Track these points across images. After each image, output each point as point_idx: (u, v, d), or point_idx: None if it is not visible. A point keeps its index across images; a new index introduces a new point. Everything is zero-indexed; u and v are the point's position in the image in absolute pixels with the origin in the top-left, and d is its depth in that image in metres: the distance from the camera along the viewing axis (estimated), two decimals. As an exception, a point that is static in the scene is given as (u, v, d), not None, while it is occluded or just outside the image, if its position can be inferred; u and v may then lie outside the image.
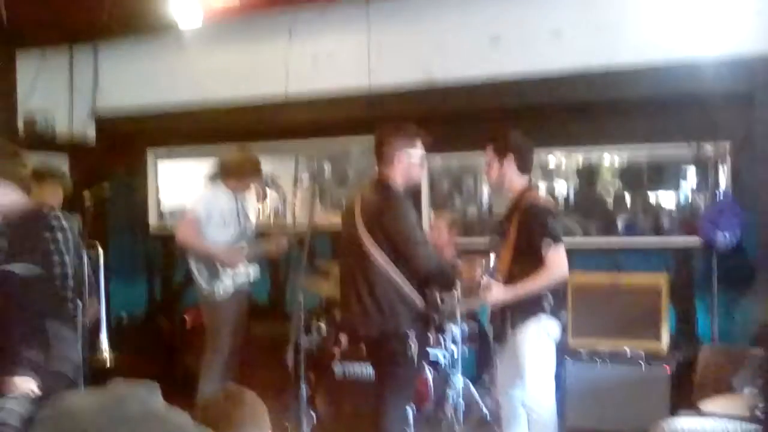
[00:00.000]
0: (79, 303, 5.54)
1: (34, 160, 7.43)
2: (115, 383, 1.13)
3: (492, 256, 4.61)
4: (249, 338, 6.29)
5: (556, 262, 4.42)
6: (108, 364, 5.53)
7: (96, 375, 5.56)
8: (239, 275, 5.90)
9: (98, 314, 5.69)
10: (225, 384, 2.31)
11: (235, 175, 5.96)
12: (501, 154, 4.65)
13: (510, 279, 4.48)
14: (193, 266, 5.85)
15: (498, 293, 4.45)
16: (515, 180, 4.68)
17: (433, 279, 4.51)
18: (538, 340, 4.50)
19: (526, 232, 4.46)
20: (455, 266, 5.05)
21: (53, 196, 5.74)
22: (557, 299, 4.54)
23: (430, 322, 4.68)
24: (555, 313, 4.53)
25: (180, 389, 5.76)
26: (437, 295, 4.81)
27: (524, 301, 4.47)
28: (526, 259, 4.44)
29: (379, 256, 4.29)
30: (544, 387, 4.56)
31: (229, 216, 5.91)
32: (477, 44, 6.35)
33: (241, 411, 2.13)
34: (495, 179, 4.77)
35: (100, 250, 5.62)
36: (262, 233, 6.26)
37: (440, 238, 6.12)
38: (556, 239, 4.44)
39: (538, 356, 4.52)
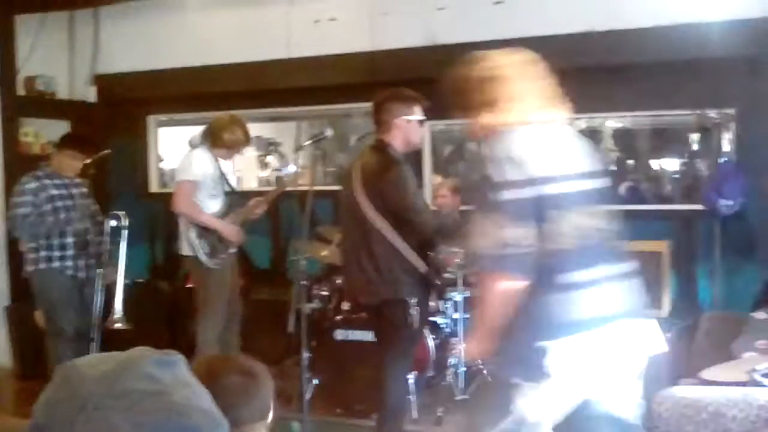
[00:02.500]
0: (99, 270, 5.61)
1: (37, 126, 7.48)
2: (132, 351, 1.11)
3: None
4: (250, 304, 6.30)
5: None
6: (122, 326, 5.59)
7: (109, 338, 5.64)
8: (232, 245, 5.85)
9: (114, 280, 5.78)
10: (232, 355, 2.31)
11: (226, 146, 5.81)
12: None
13: None
14: (194, 239, 5.68)
15: None
16: None
17: (433, 242, 4.51)
18: None
19: None
20: (457, 223, 5.00)
21: (74, 165, 5.82)
22: None
23: (431, 288, 4.69)
24: None
25: (185, 355, 5.79)
26: (438, 260, 4.80)
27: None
28: None
29: (379, 222, 4.28)
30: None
31: (217, 183, 5.78)
32: (481, 7, 6.30)
33: (253, 386, 2.13)
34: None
35: (125, 221, 5.65)
36: (246, 197, 6.14)
37: (443, 204, 6.12)
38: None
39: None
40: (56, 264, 5.72)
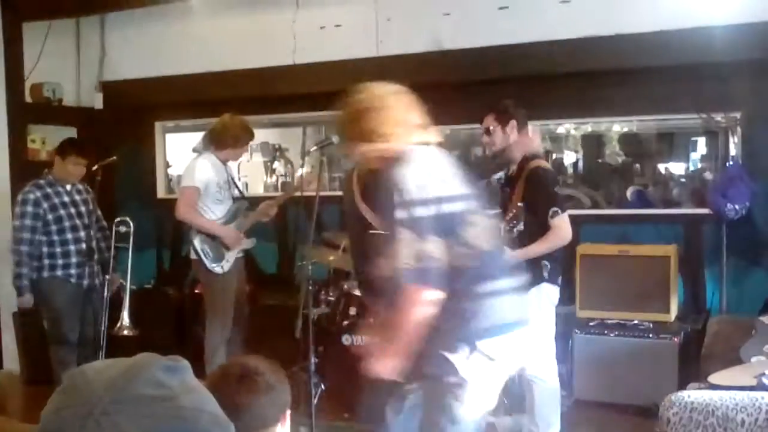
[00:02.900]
0: (106, 276, 5.62)
1: (44, 132, 7.50)
2: (139, 357, 1.11)
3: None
4: (257, 309, 6.31)
5: (562, 227, 4.45)
6: (129, 333, 5.62)
7: (116, 345, 5.67)
8: (239, 251, 5.89)
9: (120, 287, 5.81)
10: (245, 358, 2.30)
11: (230, 145, 5.83)
12: (504, 121, 4.65)
13: (511, 243, 4.47)
14: (198, 246, 5.73)
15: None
16: (520, 144, 4.69)
17: None
18: (539, 309, 4.52)
19: (531, 199, 4.45)
20: None
21: (76, 170, 5.77)
22: (555, 266, 4.56)
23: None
24: (554, 279, 4.56)
25: (191, 361, 5.81)
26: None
27: (525, 271, 4.49)
28: (530, 223, 4.44)
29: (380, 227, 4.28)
30: (547, 356, 4.59)
31: (224, 188, 5.81)
32: (486, 12, 6.31)
33: (266, 391, 2.13)
34: (500, 146, 4.76)
35: (131, 226, 5.68)
36: (255, 203, 6.19)
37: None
38: (562, 206, 4.47)
39: (541, 324, 4.53)
40: (60, 272, 5.66)
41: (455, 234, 2.96)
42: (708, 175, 6.67)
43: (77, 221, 5.72)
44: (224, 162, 5.87)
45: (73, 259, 5.69)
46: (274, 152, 9.09)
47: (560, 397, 4.75)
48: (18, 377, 6.90)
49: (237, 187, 6.02)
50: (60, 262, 5.66)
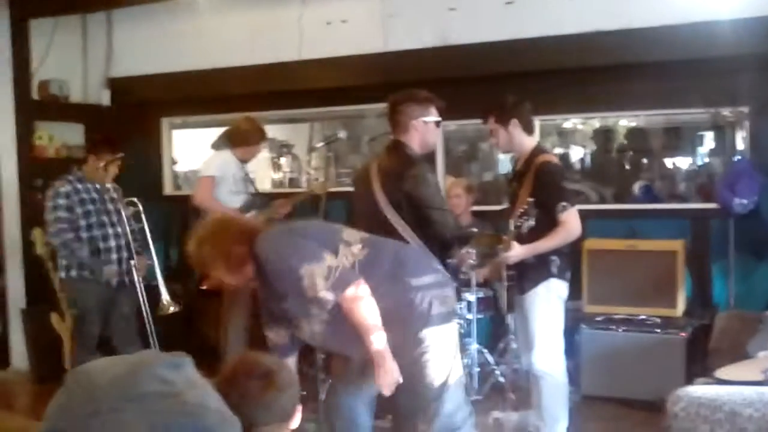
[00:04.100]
0: (131, 262, 5.65)
1: (51, 129, 7.52)
2: (142, 354, 1.12)
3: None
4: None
5: (571, 222, 4.43)
6: (174, 309, 5.63)
7: (162, 323, 5.71)
8: None
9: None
10: (255, 355, 2.32)
11: (244, 143, 6.09)
12: (505, 121, 4.63)
13: (520, 238, 4.47)
14: None
15: (516, 251, 4.43)
16: (525, 141, 4.68)
17: (450, 243, 4.51)
18: (548, 304, 4.52)
19: (540, 194, 4.44)
20: (471, 231, 5.05)
21: (111, 169, 5.75)
22: (563, 261, 4.55)
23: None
24: (562, 274, 4.56)
25: (197, 357, 5.82)
26: (455, 261, 4.81)
27: (533, 267, 4.49)
28: (539, 218, 4.43)
29: (397, 222, 4.27)
30: (554, 351, 4.58)
31: (240, 182, 6.03)
32: (492, 7, 6.30)
33: (272, 389, 2.14)
34: (504, 146, 4.76)
35: (139, 205, 5.74)
36: (270, 199, 6.28)
37: (457, 204, 6.13)
38: (571, 201, 4.46)
39: (549, 320, 4.54)
40: (86, 271, 5.61)
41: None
42: (715, 170, 6.65)
43: (105, 218, 5.66)
44: (241, 160, 6.10)
45: (102, 258, 5.62)
46: (281, 148, 9.10)
47: (567, 393, 4.75)
48: (27, 375, 6.92)
49: (253, 185, 6.18)
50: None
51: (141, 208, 5.85)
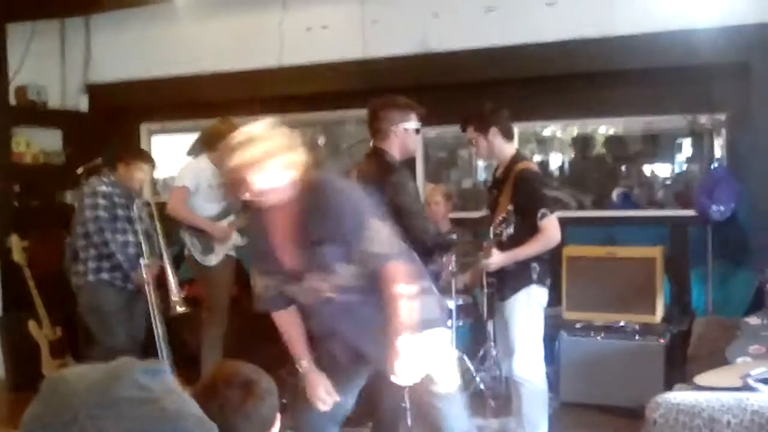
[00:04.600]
0: (143, 262, 5.58)
1: (29, 135, 7.46)
2: (118, 361, 1.11)
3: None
4: (243, 312, 6.28)
5: (551, 229, 4.44)
6: (184, 309, 5.57)
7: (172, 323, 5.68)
8: (229, 245, 5.98)
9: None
10: (235, 363, 2.29)
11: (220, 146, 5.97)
12: (484, 130, 4.64)
13: (500, 245, 4.47)
14: (188, 240, 5.90)
15: (497, 258, 4.44)
16: (505, 149, 4.68)
17: (430, 250, 4.51)
18: (528, 310, 4.53)
19: (519, 201, 4.45)
20: (452, 238, 5.05)
21: (142, 177, 5.82)
22: (543, 267, 4.56)
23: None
24: (542, 281, 4.57)
25: (179, 365, 5.83)
26: (435, 267, 4.81)
27: (514, 274, 4.49)
28: (519, 225, 4.44)
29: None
30: (534, 358, 4.59)
31: (216, 189, 5.92)
32: (473, 14, 6.31)
33: (252, 400, 2.13)
34: (485, 154, 4.78)
35: (151, 204, 5.85)
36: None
37: (436, 211, 6.14)
38: (550, 208, 4.48)
39: (529, 327, 4.54)
40: (105, 275, 5.57)
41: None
42: (693, 177, 6.69)
43: (127, 225, 5.66)
44: (217, 165, 5.97)
45: (121, 263, 5.58)
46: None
47: (547, 399, 4.75)
48: (3, 383, 6.85)
49: None
50: (106, 264, 5.56)
51: (153, 205, 5.92)
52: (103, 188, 5.59)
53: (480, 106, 4.72)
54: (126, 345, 5.50)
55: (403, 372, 3.12)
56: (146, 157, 5.93)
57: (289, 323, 3.42)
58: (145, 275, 5.57)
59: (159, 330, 5.62)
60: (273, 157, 3.01)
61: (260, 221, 3.25)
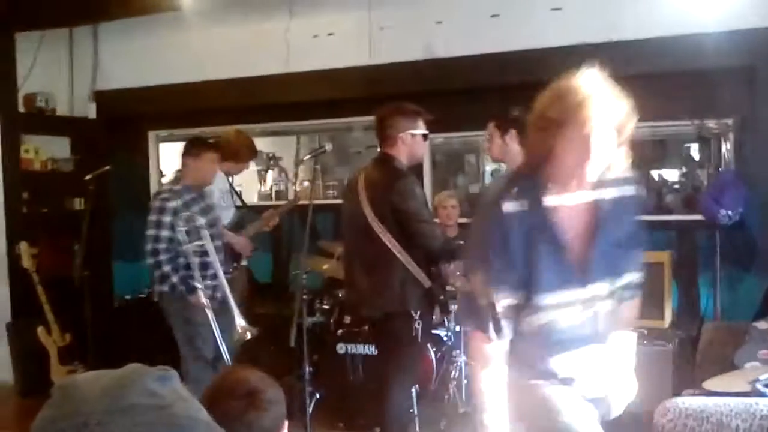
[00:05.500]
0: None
1: (38, 142, 7.49)
2: (129, 367, 1.11)
3: None
4: (251, 318, 6.29)
5: None
6: (252, 334, 4.90)
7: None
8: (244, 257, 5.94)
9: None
10: (241, 371, 2.29)
11: (233, 158, 5.98)
12: (504, 129, 4.63)
13: None
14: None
15: None
16: (517, 155, 4.67)
17: (437, 257, 4.51)
18: None
19: None
20: (459, 244, 5.05)
21: (214, 167, 5.41)
22: None
23: (434, 301, 4.68)
24: None
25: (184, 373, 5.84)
26: (442, 273, 4.82)
27: None
28: None
29: (384, 235, 4.28)
30: None
31: (226, 196, 5.92)
32: (478, 20, 6.32)
33: (257, 409, 2.13)
34: (498, 154, 4.76)
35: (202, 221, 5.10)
36: (257, 211, 6.27)
37: (444, 217, 6.14)
38: None
39: None
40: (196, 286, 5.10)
41: None
42: (701, 182, 6.68)
43: (213, 231, 5.26)
44: (227, 173, 5.98)
45: (209, 272, 5.17)
46: (268, 161, 9.08)
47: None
48: (11, 388, 6.87)
49: (239, 196, 6.11)
50: (196, 274, 5.12)
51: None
52: (173, 203, 5.17)
53: (510, 107, 4.70)
54: (209, 356, 5.25)
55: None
56: (212, 146, 5.40)
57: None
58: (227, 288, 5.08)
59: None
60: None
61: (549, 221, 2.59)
